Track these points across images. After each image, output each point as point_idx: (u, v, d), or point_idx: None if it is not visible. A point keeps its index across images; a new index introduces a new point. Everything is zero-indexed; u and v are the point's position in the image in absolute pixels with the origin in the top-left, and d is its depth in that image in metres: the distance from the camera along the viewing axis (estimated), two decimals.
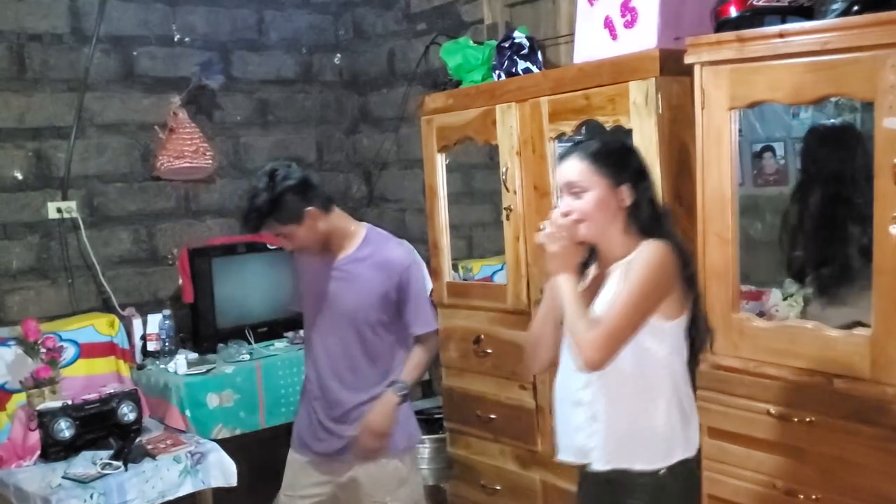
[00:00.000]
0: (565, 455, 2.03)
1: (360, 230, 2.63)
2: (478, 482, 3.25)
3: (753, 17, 2.24)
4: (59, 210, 3.71)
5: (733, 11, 2.30)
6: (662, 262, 1.86)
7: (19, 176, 3.65)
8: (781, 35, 2.11)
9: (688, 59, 2.31)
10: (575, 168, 1.92)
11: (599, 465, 1.93)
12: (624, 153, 1.98)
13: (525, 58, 3.03)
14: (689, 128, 2.40)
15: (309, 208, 2.47)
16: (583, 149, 1.95)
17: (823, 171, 2.50)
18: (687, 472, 1.95)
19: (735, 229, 2.31)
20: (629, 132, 2.57)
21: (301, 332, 3.83)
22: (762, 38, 2.15)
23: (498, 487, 3.18)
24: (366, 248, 2.59)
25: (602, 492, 2.00)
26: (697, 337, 1.99)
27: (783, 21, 2.19)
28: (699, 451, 1.99)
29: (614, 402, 1.92)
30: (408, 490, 2.66)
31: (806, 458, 2.19)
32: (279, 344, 3.85)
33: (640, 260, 1.87)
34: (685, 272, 1.90)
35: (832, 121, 2.55)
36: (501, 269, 3.59)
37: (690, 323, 1.95)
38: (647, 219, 1.92)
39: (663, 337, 1.90)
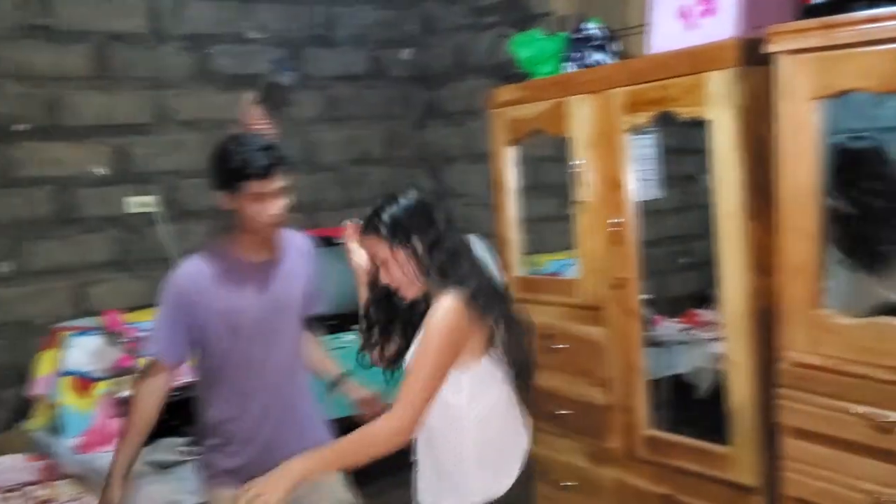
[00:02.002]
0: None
1: None
2: (549, 478, 3.24)
3: (839, 4, 2.17)
4: (139, 205, 3.83)
5: None
6: (447, 321, 1.91)
7: (102, 171, 3.77)
8: (873, 20, 2.04)
9: (769, 48, 2.25)
10: (368, 247, 2.05)
11: None
12: (396, 215, 2.01)
13: (597, 49, 3.00)
14: (769, 119, 2.34)
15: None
16: (365, 223, 2.04)
17: None
18: None
19: (816, 223, 2.24)
20: (706, 123, 2.52)
21: None
22: (851, 23, 2.08)
23: (569, 483, 3.16)
24: (286, 240, 2.49)
25: None
26: (517, 367, 2.04)
27: (871, 7, 2.12)
28: (512, 490, 2.05)
29: (428, 455, 2.10)
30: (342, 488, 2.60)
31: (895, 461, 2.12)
32: (347, 337, 3.88)
33: (428, 325, 1.93)
34: (484, 313, 1.95)
35: None
36: (570, 263, 3.56)
37: (507, 355, 2.00)
38: (435, 269, 1.98)
39: (460, 387, 1.98)
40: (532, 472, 2.21)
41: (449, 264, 1.99)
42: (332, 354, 2.83)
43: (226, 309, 2.33)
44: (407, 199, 2.05)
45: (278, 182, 2.28)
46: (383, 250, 2.00)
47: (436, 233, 2.01)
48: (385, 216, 2.01)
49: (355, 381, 2.62)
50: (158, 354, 2.37)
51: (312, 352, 2.63)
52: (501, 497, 2.04)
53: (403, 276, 2.00)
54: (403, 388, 1.93)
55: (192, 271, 2.35)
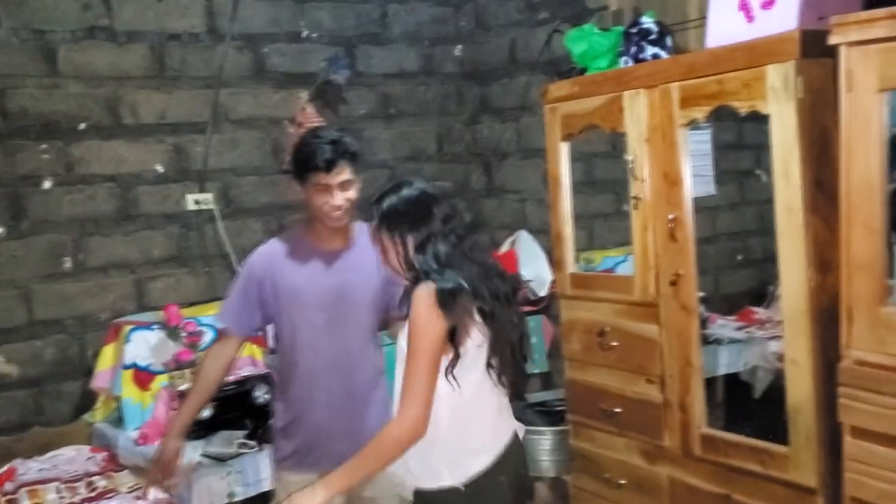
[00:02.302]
0: None
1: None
2: (601, 475, 3.21)
3: None
4: (196, 202, 3.90)
5: None
6: (419, 313, 2.00)
7: (160, 169, 3.85)
8: None
9: (832, 40, 2.20)
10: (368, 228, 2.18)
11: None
12: (394, 206, 2.12)
13: (653, 43, 2.96)
14: (832, 112, 2.29)
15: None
16: (367, 209, 2.18)
17: None
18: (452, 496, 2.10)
19: (883, 219, 2.19)
20: (764, 118, 2.48)
21: None
22: None
23: (623, 482, 3.13)
24: (362, 234, 2.52)
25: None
26: (499, 367, 2.08)
27: None
28: (484, 479, 2.10)
29: None
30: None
31: None
32: None
33: (410, 321, 2.04)
34: (458, 311, 2.00)
35: None
36: (624, 260, 3.53)
37: (492, 352, 2.07)
38: (420, 263, 2.07)
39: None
40: (522, 467, 2.24)
41: (435, 261, 2.06)
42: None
43: (292, 287, 2.44)
44: (409, 191, 2.13)
45: (343, 175, 2.35)
46: (377, 236, 2.14)
47: (428, 230, 2.08)
48: (384, 205, 2.13)
49: None
50: (227, 323, 2.51)
51: None
52: (470, 482, 2.09)
53: (396, 261, 2.13)
54: (405, 386, 2.02)
55: (266, 251, 2.52)
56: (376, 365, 2.58)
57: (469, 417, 2.11)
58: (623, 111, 2.94)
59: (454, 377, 2.03)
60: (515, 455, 2.20)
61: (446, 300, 2.00)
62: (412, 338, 2.02)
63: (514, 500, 2.20)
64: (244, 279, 2.50)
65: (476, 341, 2.07)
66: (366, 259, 2.50)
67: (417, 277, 2.09)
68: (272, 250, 2.51)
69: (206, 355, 2.55)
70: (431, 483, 2.11)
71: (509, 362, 2.13)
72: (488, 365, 2.11)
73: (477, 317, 2.07)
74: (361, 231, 2.55)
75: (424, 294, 2.02)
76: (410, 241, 2.09)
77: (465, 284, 2.04)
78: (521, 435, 2.29)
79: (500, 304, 2.13)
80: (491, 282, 2.13)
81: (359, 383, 2.51)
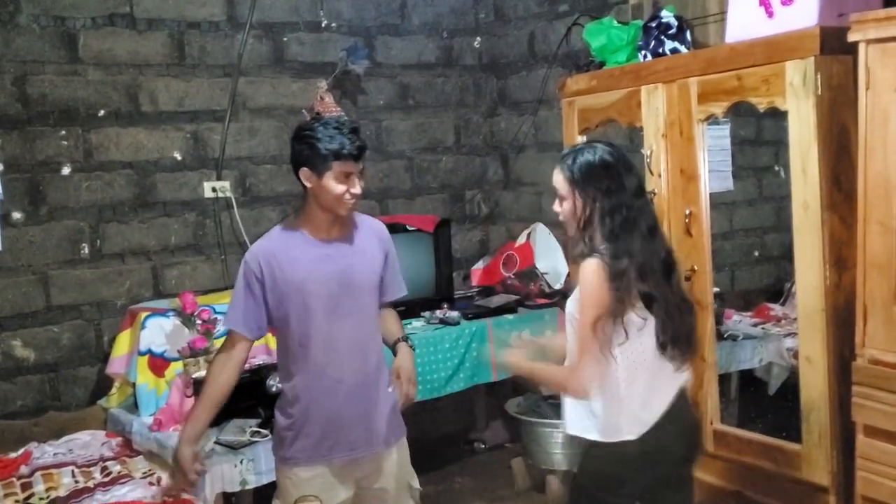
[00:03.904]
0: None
1: None
2: None
3: None
4: (213, 189, 3.91)
5: None
6: (588, 284, 2.13)
7: (178, 157, 3.86)
8: None
9: (852, 37, 2.18)
10: (556, 178, 2.23)
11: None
12: (588, 164, 2.18)
13: (673, 38, 2.95)
14: (851, 109, 2.27)
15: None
16: (563, 161, 2.23)
17: None
18: (610, 454, 2.23)
19: None
20: (783, 114, 2.46)
21: (439, 312, 3.91)
22: None
23: None
24: (358, 222, 2.55)
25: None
26: (668, 336, 2.16)
27: None
28: (652, 434, 2.18)
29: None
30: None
31: None
32: (416, 323, 3.91)
33: (580, 290, 2.17)
34: (615, 284, 2.10)
35: None
36: None
37: (660, 323, 2.16)
38: (607, 230, 2.14)
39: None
40: (692, 424, 2.32)
41: (612, 230, 2.13)
42: None
43: (295, 281, 2.40)
44: (604, 154, 2.18)
45: (361, 164, 2.38)
46: (564, 187, 2.20)
47: (616, 198, 2.14)
48: (580, 160, 2.18)
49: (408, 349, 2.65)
50: (235, 327, 2.45)
51: (386, 320, 2.67)
52: (643, 435, 2.18)
53: (571, 215, 2.20)
54: (579, 350, 2.17)
55: (265, 245, 2.45)
56: (380, 350, 2.59)
57: (643, 379, 2.19)
58: (640, 105, 2.93)
59: (626, 337, 2.13)
60: (683, 407, 2.27)
61: (615, 276, 2.10)
62: (584, 307, 2.14)
63: (684, 446, 2.28)
64: (245, 280, 2.43)
65: (641, 313, 2.14)
66: (366, 246, 2.52)
67: (590, 240, 2.17)
68: (268, 247, 2.44)
69: (215, 361, 2.48)
70: (613, 437, 2.20)
71: (677, 334, 2.19)
72: (658, 333, 2.18)
73: (641, 288, 2.13)
74: (360, 219, 2.56)
75: (596, 267, 2.11)
76: (595, 204, 2.16)
77: (633, 262, 2.12)
78: (688, 386, 2.35)
79: (662, 278, 2.19)
80: (655, 255, 2.19)
81: (370, 369, 2.51)
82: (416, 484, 2.64)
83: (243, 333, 2.44)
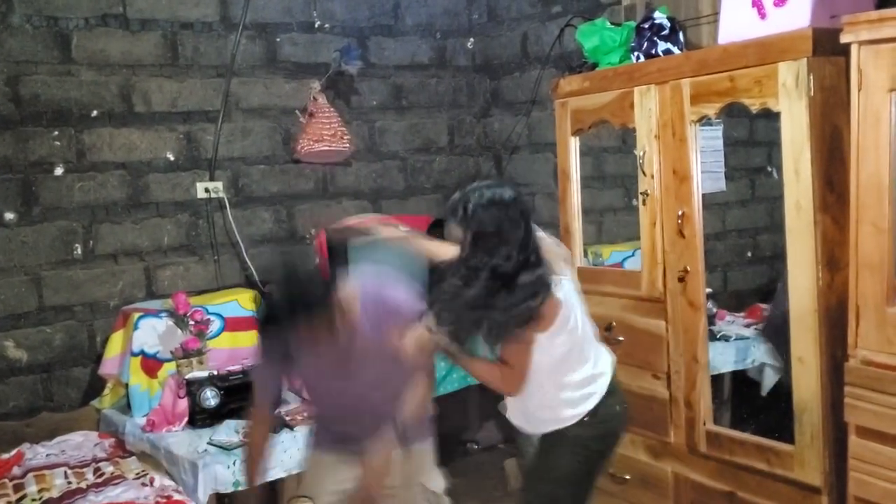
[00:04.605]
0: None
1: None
2: (606, 471, 3.22)
3: None
4: (206, 190, 3.90)
5: None
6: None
7: (171, 157, 3.86)
8: None
9: (844, 39, 2.19)
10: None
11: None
12: (487, 227, 2.27)
13: (666, 39, 2.95)
14: (843, 111, 2.28)
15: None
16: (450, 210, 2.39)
17: None
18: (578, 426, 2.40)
19: (892, 218, 2.18)
20: (775, 115, 2.47)
21: None
22: None
23: (628, 477, 3.14)
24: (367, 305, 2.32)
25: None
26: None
27: None
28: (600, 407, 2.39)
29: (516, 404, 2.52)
30: (438, 473, 2.60)
31: None
32: None
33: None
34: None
35: None
36: (632, 255, 3.53)
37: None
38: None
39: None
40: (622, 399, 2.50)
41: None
42: None
43: (306, 378, 2.49)
44: (503, 212, 2.25)
45: None
46: (456, 233, 2.33)
47: (506, 253, 2.22)
48: (476, 215, 2.28)
49: None
50: (257, 399, 2.42)
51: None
52: (590, 411, 2.38)
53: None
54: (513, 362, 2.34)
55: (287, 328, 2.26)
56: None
57: (566, 371, 2.37)
58: (633, 107, 2.94)
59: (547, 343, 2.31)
60: (617, 384, 2.48)
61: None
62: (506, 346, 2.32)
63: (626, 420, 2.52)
64: (265, 345, 2.37)
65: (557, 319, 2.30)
66: (377, 345, 2.31)
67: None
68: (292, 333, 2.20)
69: (249, 437, 2.49)
70: (561, 426, 2.39)
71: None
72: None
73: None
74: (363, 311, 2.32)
75: None
76: (488, 262, 2.23)
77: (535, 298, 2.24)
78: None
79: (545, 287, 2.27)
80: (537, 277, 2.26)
81: (387, 410, 2.39)
82: (434, 487, 2.57)
83: (265, 402, 2.45)
